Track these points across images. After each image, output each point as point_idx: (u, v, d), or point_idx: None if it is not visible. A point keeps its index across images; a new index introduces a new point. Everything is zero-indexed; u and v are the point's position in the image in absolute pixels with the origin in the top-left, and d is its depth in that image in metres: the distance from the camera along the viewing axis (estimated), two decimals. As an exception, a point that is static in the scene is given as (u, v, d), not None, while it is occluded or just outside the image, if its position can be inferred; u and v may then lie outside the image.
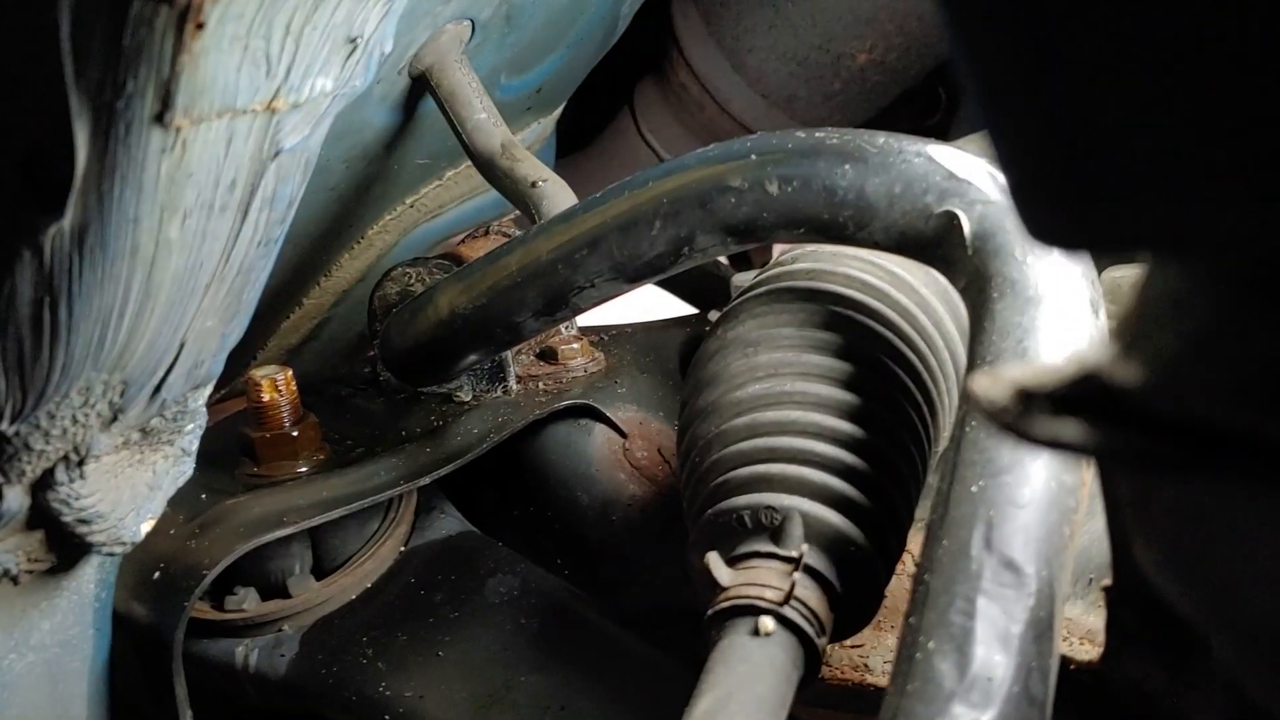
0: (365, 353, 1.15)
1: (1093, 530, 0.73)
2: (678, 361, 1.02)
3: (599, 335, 1.03)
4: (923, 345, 0.69)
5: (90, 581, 0.71)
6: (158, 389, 0.61)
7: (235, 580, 0.81)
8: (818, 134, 0.66)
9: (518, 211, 0.96)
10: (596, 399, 0.91)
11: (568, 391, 0.92)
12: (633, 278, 0.73)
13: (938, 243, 0.63)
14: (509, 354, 0.92)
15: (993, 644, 0.49)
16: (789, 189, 0.65)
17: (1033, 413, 0.25)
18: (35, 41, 0.45)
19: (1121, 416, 0.24)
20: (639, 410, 0.94)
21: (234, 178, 0.53)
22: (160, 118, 0.46)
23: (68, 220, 0.49)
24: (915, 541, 0.62)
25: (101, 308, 0.53)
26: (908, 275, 0.72)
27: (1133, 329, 0.26)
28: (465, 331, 0.79)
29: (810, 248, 0.77)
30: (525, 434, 0.90)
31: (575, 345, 0.97)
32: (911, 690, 0.48)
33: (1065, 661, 0.63)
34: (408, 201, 1.14)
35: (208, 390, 0.66)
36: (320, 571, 0.83)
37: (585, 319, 1.04)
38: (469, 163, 1.14)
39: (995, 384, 0.27)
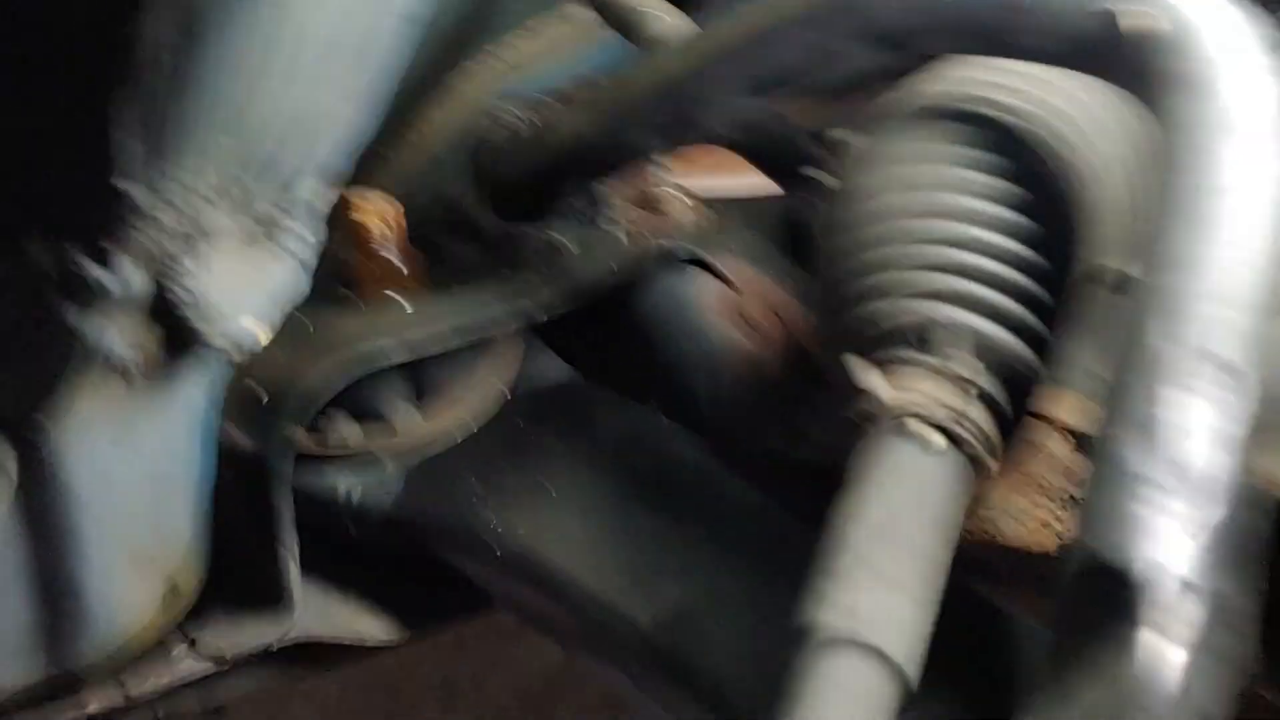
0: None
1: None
2: (784, 230, 0.97)
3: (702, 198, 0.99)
4: (1089, 164, 0.64)
5: (200, 397, 0.68)
6: (284, 172, 0.57)
7: (330, 405, 0.78)
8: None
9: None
10: (705, 250, 0.87)
11: (675, 240, 0.88)
12: (767, 92, 0.68)
13: (1118, 47, 0.58)
14: (607, 195, 0.88)
15: (1215, 445, 0.45)
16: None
17: None
18: None
19: None
20: (748, 265, 0.89)
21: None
22: None
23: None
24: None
25: (233, 59, 0.49)
26: (1082, 96, 0.67)
27: None
28: (588, 156, 0.75)
29: (947, 70, 0.72)
30: (631, 283, 0.86)
31: (679, 194, 0.92)
32: (1126, 491, 0.44)
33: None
34: (492, 50, 1.09)
35: (329, 193, 0.63)
36: (420, 398, 0.79)
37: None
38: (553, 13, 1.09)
39: None
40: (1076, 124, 0.67)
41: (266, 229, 0.60)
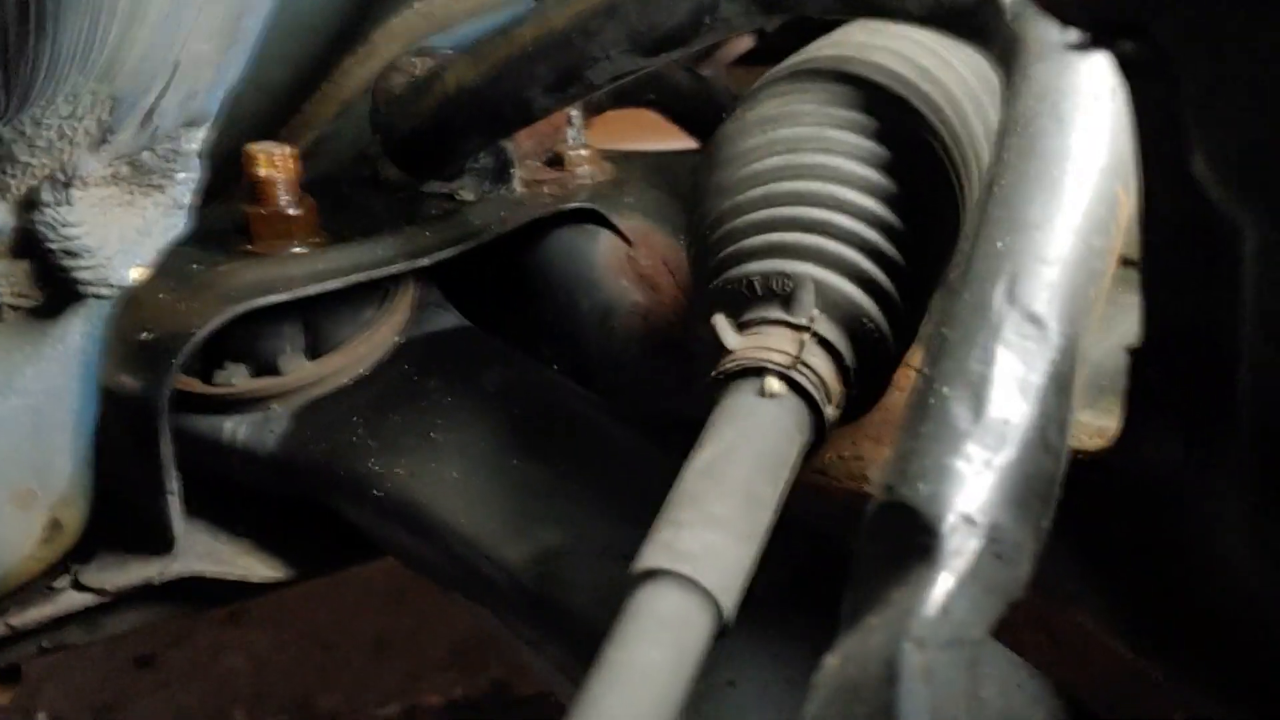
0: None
1: (1106, 346, 0.72)
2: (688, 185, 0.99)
3: (608, 153, 1.00)
4: (952, 129, 0.66)
5: (77, 332, 0.69)
6: (149, 113, 0.58)
7: (224, 357, 0.79)
8: (855, -107, 0.63)
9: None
10: (603, 206, 0.89)
11: (574, 196, 0.90)
12: (651, 50, 0.70)
13: (973, 11, 0.60)
14: (514, 153, 0.89)
15: (1011, 390, 0.47)
16: (822, -51, 0.62)
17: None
18: None
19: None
20: (645, 221, 0.91)
21: None
22: None
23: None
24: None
25: (91, 2, 0.50)
26: (941, 56, 0.69)
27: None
28: (473, 108, 0.77)
29: (834, 37, 0.74)
30: (527, 236, 0.88)
31: (583, 152, 0.94)
32: (925, 432, 0.47)
33: (1074, 453, 0.62)
34: (415, 6, 1.10)
35: (201, 132, 0.63)
36: (313, 354, 0.81)
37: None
38: (481, -32, 1.10)
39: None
40: (946, 88, 0.69)
41: (137, 170, 0.61)
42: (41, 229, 0.59)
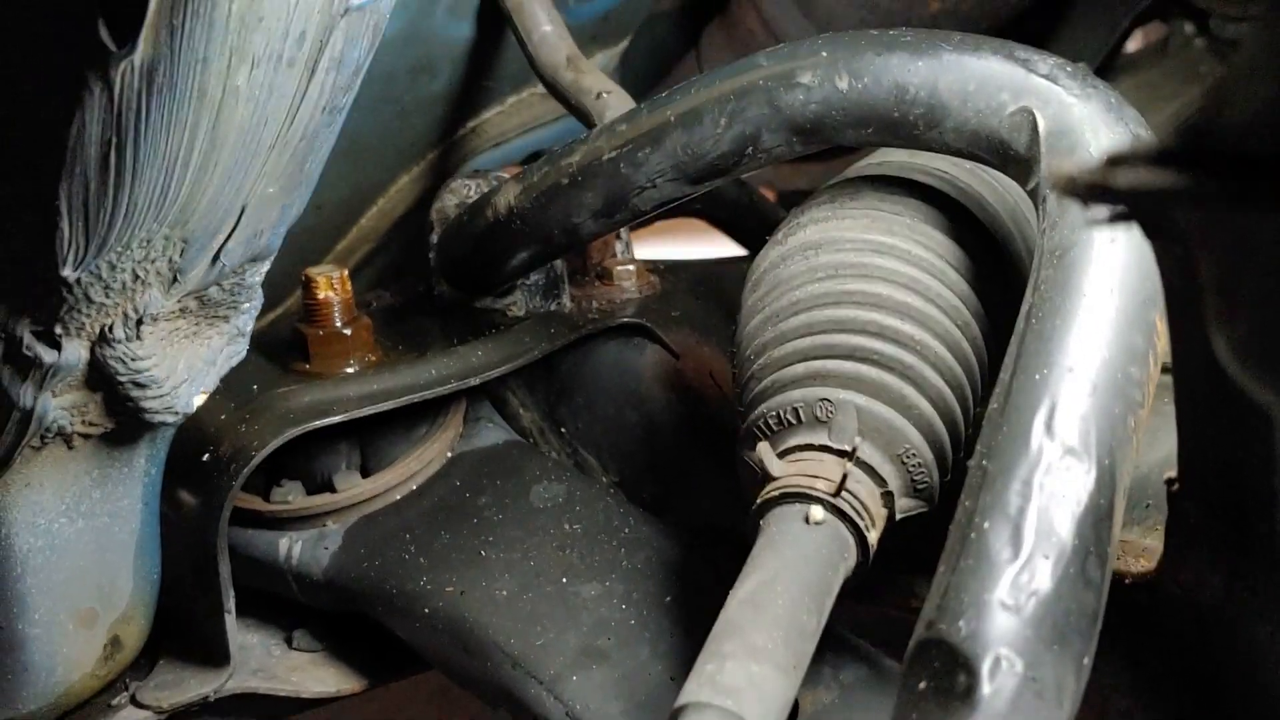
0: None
1: (1151, 460, 0.72)
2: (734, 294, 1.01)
3: (655, 264, 1.03)
4: (988, 259, 0.68)
5: (142, 456, 0.71)
6: (217, 253, 0.61)
7: (282, 475, 0.81)
8: (891, 32, 0.65)
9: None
10: (649, 319, 0.91)
11: (621, 310, 0.92)
12: (695, 179, 0.72)
13: (1009, 142, 0.62)
14: (563, 270, 0.92)
15: (1050, 525, 0.48)
16: (859, 85, 0.64)
17: (1121, 169, 0.24)
18: None
19: (1216, 159, 0.23)
20: (692, 333, 0.93)
21: (303, 29, 0.53)
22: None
23: (139, 55, 0.49)
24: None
25: (167, 154, 0.53)
26: (977, 183, 0.70)
27: (1229, 84, 0.25)
28: (523, 232, 0.79)
29: (874, 159, 0.76)
30: (576, 350, 0.90)
31: (630, 267, 0.96)
32: (964, 567, 0.47)
33: (1119, 576, 0.62)
34: (469, 125, 1.14)
35: (265, 266, 0.66)
36: (366, 471, 0.83)
37: (643, 252, 1.04)
38: (532, 89, 1.14)
39: (1079, 160, 0.26)
40: (988, 208, 0.71)
41: (204, 304, 0.64)
42: (113, 363, 0.61)
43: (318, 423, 0.75)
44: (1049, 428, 0.50)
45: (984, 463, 0.51)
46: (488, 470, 0.84)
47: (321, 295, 0.82)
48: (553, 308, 0.92)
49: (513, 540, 0.78)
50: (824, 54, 0.66)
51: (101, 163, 0.53)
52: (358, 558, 0.78)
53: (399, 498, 0.82)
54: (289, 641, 0.82)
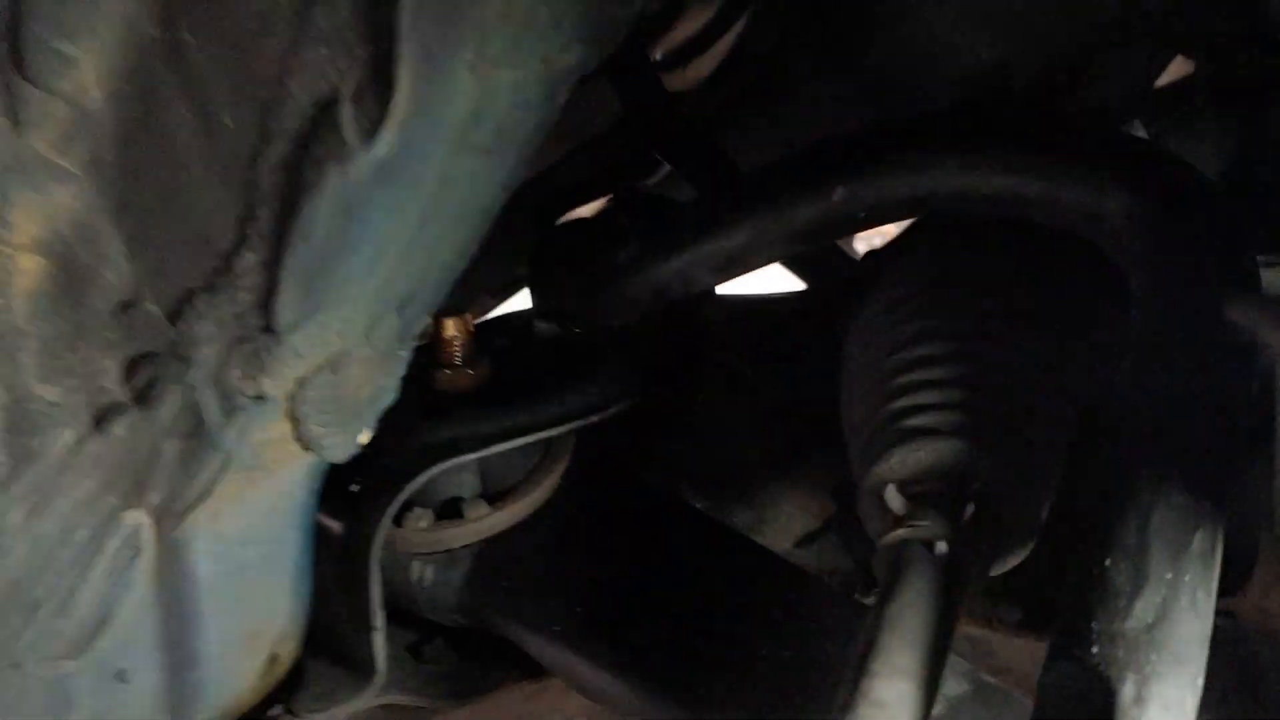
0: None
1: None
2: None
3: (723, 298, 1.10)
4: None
5: (303, 487, 0.78)
6: (407, 313, 0.68)
7: (412, 501, 0.89)
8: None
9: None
10: (737, 356, 0.99)
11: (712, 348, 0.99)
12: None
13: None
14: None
15: (1163, 560, 0.56)
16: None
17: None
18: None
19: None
20: (778, 366, 1.01)
21: (502, 125, 0.60)
22: (473, 65, 0.54)
23: (376, 151, 0.56)
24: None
25: (384, 235, 0.61)
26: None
27: None
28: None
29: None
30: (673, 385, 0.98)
31: (720, 307, 1.04)
32: (1092, 599, 0.55)
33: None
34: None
35: (427, 318, 0.74)
36: (486, 496, 0.90)
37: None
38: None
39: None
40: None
41: (380, 352, 0.71)
42: (305, 408, 0.69)
43: (456, 460, 0.83)
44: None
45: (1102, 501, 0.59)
46: (598, 495, 0.92)
47: (449, 334, 0.90)
48: (646, 345, 0.99)
49: (625, 564, 0.86)
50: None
51: (325, 240, 0.60)
52: (487, 579, 0.86)
53: (519, 521, 0.90)
54: (417, 653, 0.89)
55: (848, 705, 0.58)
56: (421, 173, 0.58)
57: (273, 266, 0.60)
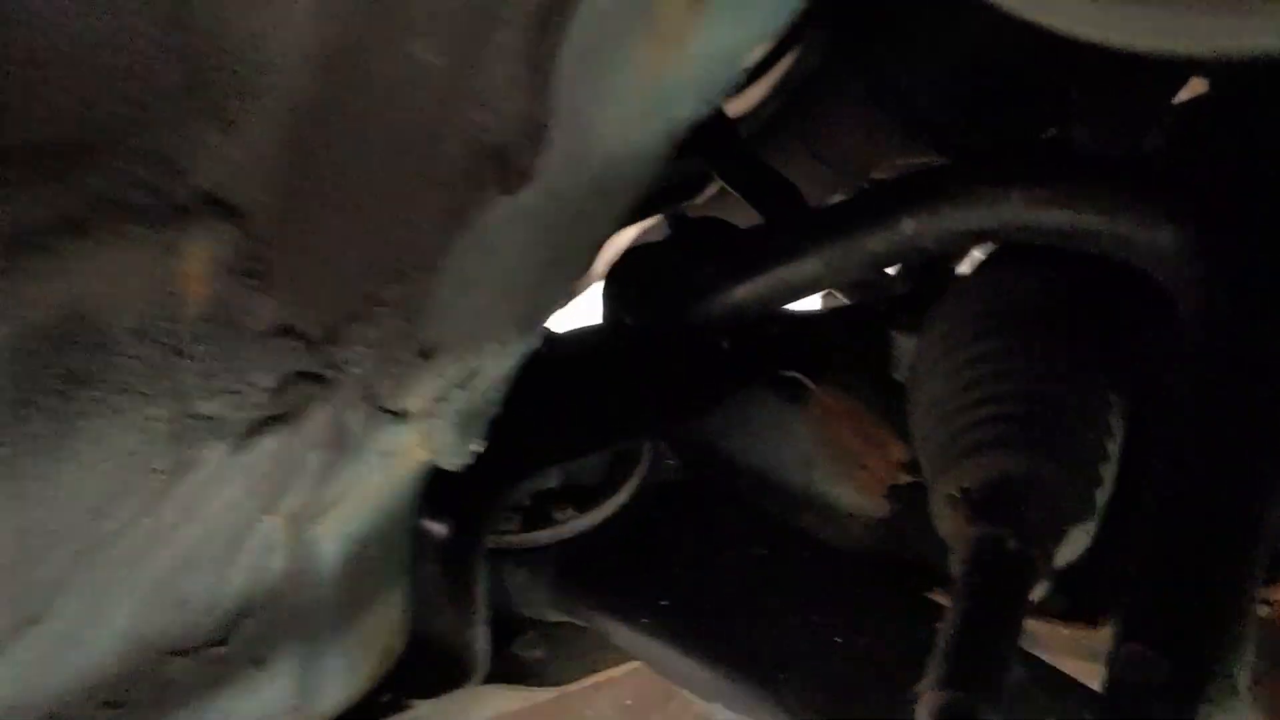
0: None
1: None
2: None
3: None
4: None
5: (412, 490, 0.85)
6: (529, 333, 0.76)
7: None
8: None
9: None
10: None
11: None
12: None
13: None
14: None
15: (1210, 576, 0.63)
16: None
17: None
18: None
19: None
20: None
21: (630, 173, 0.68)
22: (615, 124, 0.61)
23: (524, 199, 0.63)
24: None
25: (521, 266, 0.68)
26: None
27: None
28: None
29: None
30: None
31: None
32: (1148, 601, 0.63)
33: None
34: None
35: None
36: (567, 497, 0.97)
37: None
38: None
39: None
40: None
41: (504, 369, 0.78)
42: (438, 421, 0.76)
43: (555, 463, 0.90)
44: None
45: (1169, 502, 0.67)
46: (674, 499, 0.99)
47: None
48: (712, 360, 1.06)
49: (707, 567, 0.93)
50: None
51: (469, 274, 0.67)
52: (576, 579, 0.93)
53: (602, 523, 0.97)
54: (510, 645, 0.96)
55: (932, 689, 0.65)
56: (558, 216, 0.66)
57: (422, 297, 0.68)
